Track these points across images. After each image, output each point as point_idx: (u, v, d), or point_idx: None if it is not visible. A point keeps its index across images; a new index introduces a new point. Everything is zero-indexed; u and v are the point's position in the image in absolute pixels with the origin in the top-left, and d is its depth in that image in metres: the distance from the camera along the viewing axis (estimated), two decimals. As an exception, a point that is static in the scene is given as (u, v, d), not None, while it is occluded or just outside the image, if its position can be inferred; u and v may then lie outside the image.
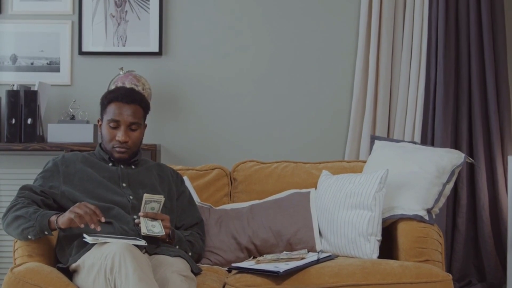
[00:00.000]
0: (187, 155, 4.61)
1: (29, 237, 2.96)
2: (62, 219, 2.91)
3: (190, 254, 3.19)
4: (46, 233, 2.94)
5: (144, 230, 2.96)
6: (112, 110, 3.19)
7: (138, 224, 3.02)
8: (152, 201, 3.03)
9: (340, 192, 3.42)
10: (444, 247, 3.28)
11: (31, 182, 3.19)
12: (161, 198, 3.06)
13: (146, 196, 3.03)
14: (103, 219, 2.91)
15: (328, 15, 4.64)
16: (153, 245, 3.03)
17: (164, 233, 3.01)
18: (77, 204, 2.93)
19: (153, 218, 3.03)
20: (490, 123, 4.45)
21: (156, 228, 2.99)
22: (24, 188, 3.12)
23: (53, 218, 2.94)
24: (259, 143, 4.63)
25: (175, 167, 3.70)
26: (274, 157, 4.34)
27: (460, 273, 4.44)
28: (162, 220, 3.05)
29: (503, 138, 4.45)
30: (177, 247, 3.13)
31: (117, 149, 3.20)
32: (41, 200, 3.08)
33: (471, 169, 4.48)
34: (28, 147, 4.24)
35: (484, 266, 4.43)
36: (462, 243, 4.46)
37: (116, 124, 3.18)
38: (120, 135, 3.17)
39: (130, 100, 3.20)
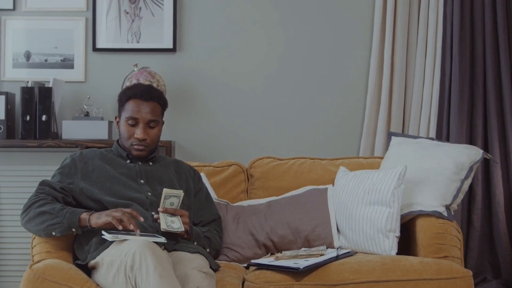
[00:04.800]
0: (201, 151, 4.60)
1: (54, 233, 2.95)
2: (97, 221, 2.91)
3: (208, 250, 3.19)
4: (73, 230, 2.94)
5: (163, 226, 2.95)
6: (130, 107, 3.18)
7: (157, 220, 3.01)
8: (172, 196, 3.02)
9: (358, 188, 3.41)
10: (462, 244, 3.27)
11: (46, 179, 3.18)
12: (180, 193, 3.05)
13: (165, 190, 3.02)
14: (141, 219, 2.92)
15: (342, 10, 4.63)
16: (172, 242, 3.02)
17: (183, 229, 3.00)
18: (113, 209, 2.94)
19: (172, 214, 3.02)
20: (505, 119, 4.43)
21: (175, 224, 2.98)
22: (43, 184, 3.11)
23: (85, 215, 2.94)
24: (273, 139, 4.62)
25: (192, 164, 3.68)
26: (287, 152, 4.34)
27: (475, 269, 4.42)
28: (181, 216, 3.04)
29: (518, 134, 4.44)
30: (195, 243, 3.13)
31: (136, 146, 3.19)
32: (62, 197, 3.07)
33: (486, 165, 4.47)
34: (42, 144, 4.24)
35: (499, 263, 4.42)
36: (477, 240, 4.44)
37: (134, 122, 3.17)
38: (138, 132, 3.16)
39: (149, 97, 3.19)
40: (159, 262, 2.61)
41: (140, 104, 3.17)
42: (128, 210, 2.92)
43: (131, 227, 2.84)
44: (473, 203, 4.47)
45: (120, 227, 2.84)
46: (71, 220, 2.92)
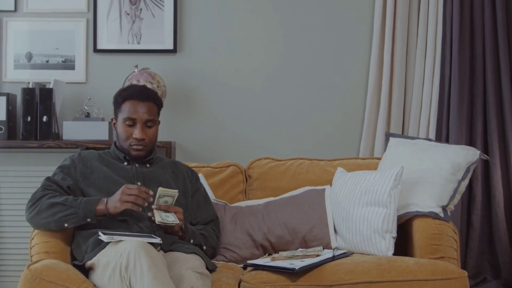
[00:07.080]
0: (201, 152, 4.62)
1: (66, 225, 2.99)
2: (115, 210, 2.98)
3: (204, 248, 3.20)
4: (89, 220, 2.98)
5: (158, 219, 2.96)
6: (127, 108, 3.20)
7: (151, 217, 3.03)
8: (166, 195, 3.03)
9: (355, 189, 3.41)
10: (459, 244, 3.27)
11: (51, 176, 3.19)
12: (175, 192, 3.06)
13: (160, 190, 3.03)
14: (151, 192, 2.99)
15: (342, 11, 4.63)
16: (168, 242, 3.04)
17: (178, 222, 3.02)
18: (121, 191, 2.99)
19: (166, 210, 3.03)
20: (504, 119, 4.43)
21: (170, 218, 3.00)
22: (50, 180, 3.14)
23: (101, 205, 3.00)
24: (273, 140, 4.63)
25: (190, 164, 3.70)
26: (287, 153, 4.34)
27: (474, 270, 4.42)
28: (175, 213, 3.06)
29: (517, 134, 4.43)
30: (192, 241, 3.14)
31: (134, 146, 3.21)
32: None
33: (486, 166, 4.47)
34: (43, 145, 4.26)
35: (499, 263, 4.42)
36: (477, 240, 4.44)
37: (132, 122, 3.19)
38: (137, 132, 3.18)
39: (145, 97, 3.22)
40: (153, 263, 2.62)
41: (137, 105, 3.19)
42: (134, 187, 2.99)
43: (145, 204, 2.97)
44: (472, 203, 4.47)
45: (140, 210, 2.96)
46: (87, 209, 2.97)
